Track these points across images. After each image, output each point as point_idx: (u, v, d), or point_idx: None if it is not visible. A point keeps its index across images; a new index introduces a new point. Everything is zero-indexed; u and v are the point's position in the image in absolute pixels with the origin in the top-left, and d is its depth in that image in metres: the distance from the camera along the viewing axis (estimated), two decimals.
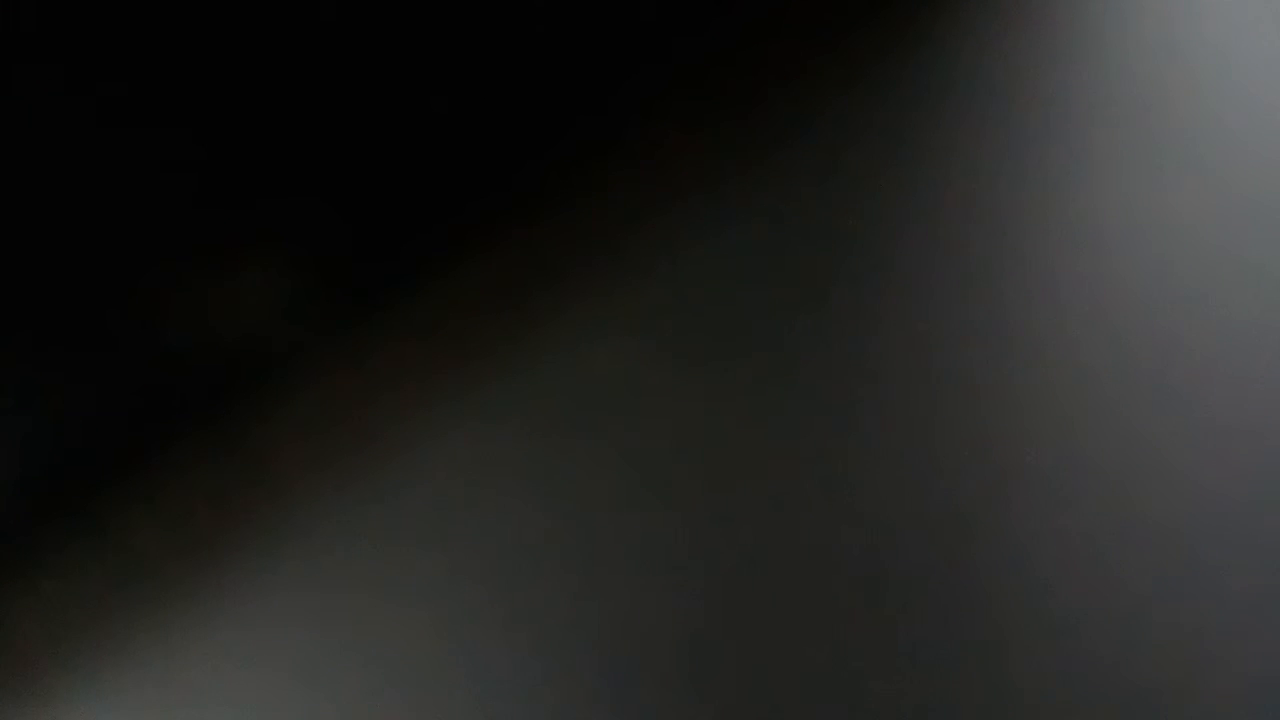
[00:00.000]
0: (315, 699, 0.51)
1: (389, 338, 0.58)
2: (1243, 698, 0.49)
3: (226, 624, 0.53)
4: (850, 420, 0.55)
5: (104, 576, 0.54)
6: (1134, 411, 0.55)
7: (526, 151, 0.62)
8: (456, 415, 0.56)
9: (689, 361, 0.57)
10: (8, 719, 0.52)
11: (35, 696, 0.52)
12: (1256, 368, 0.55)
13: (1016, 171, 0.60)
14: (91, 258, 0.58)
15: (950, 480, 0.54)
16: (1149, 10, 0.63)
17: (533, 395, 0.56)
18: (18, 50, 0.58)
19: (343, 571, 0.54)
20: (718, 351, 0.57)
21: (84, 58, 0.59)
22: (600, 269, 0.59)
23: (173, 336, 0.58)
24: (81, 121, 0.59)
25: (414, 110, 0.62)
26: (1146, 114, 0.61)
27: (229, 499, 0.55)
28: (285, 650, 0.52)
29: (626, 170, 0.61)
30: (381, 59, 0.62)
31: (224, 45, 0.60)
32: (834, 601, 0.52)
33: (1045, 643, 0.51)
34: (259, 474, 0.55)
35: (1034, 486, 0.53)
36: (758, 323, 0.57)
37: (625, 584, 0.53)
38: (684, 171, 0.61)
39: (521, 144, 0.62)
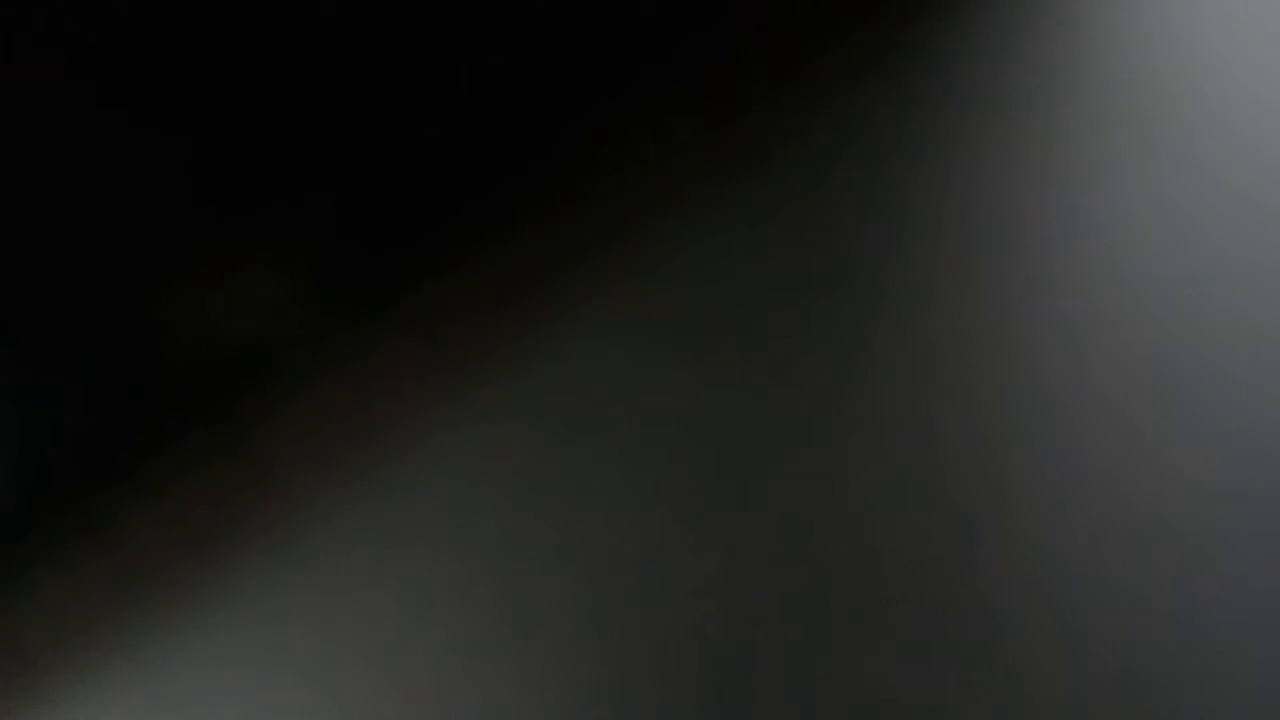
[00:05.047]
0: (315, 699, 0.51)
1: (389, 338, 0.58)
2: (1244, 696, 0.49)
3: (226, 624, 0.53)
4: (851, 420, 0.55)
5: (104, 576, 0.54)
6: (1134, 411, 0.55)
7: (526, 151, 0.62)
8: (456, 415, 0.56)
9: (689, 361, 0.57)
10: (8, 719, 0.51)
11: (36, 696, 0.52)
12: (1256, 367, 0.55)
13: (1017, 171, 0.60)
14: (92, 258, 0.58)
15: (951, 479, 0.54)
16: (1149, 10, 0.63)
17: (533, 395, 0.56)
18: (18, 51, 0.58)
19: (343, 571, 0.54)
20: (718, 351, 0.57)
21: (85, 59, 0.59)
22: (600, 269, 0.59)
23: (173, 336, 0.58)
24: (82, 122, 0.59)
25: (414, 110, 0.62)
26: (1146, 114, 0.61)
27: (229, 499, 0.55)
28: (285, 650, 0.52)
29: (627, 170, 0.61)
30: (382, 58, 0.62)
31: (224, 45, 0.60)
32: (835, 601, 0.52)
33: (1046, 642, 0.51)
34: (259, 474, 0.55)
35: (1034, 486, 0.53)
36: (758, 322, 0.57)
37: (625, 584, 0.53)
38: (685, 172, 0.61)
39: (522, 144, 0.62)
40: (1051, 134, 0.61)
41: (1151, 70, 0.62)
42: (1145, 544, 0.52)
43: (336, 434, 0.56)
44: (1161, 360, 0.56)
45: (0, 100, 0.59)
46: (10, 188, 0.59)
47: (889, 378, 0.56)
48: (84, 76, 0.59)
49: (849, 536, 0.53)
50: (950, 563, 0.52)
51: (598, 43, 0.63)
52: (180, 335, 0.58)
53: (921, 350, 0.56)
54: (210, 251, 0.59)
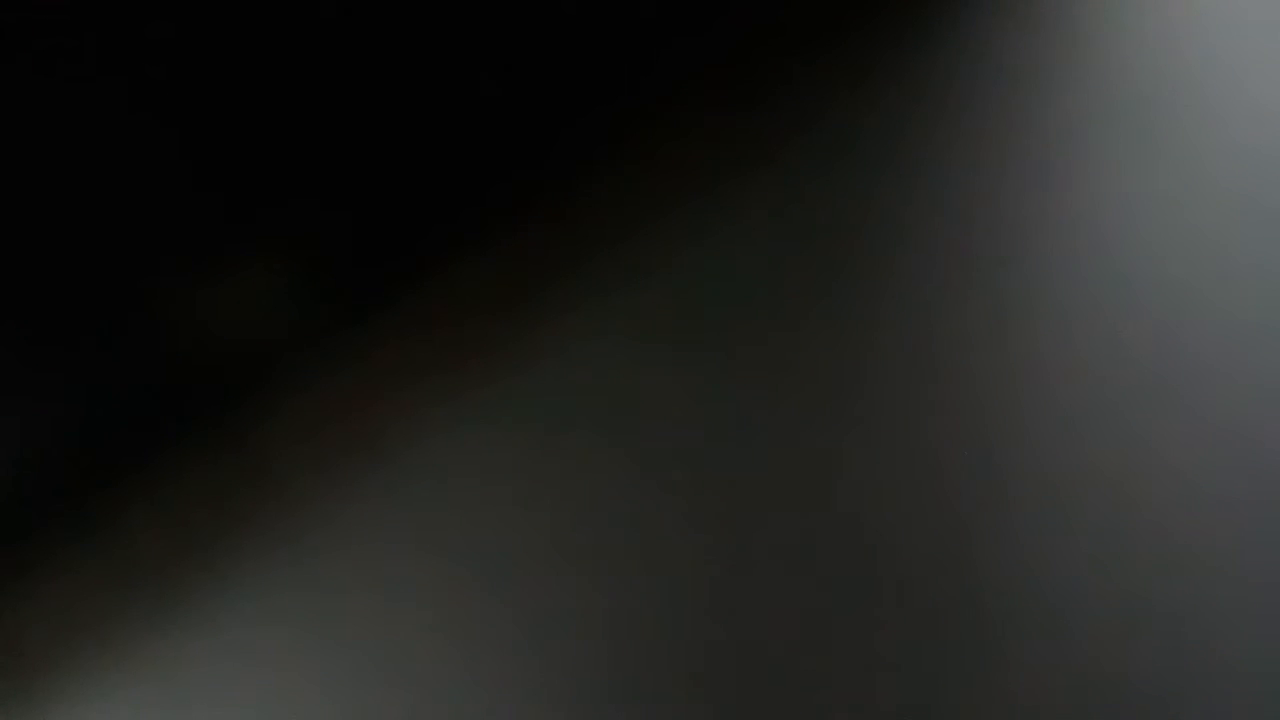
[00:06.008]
0: (315, 699, 0.51)
1: (389, 338, 0.58)
2: (1243, 696, 0.49)
3: (226, 624, 0.53)
4: (850, 420, 0.55)
5: (104, 576, 0.54)
6: (1134, 411, 0.55)
7: (527, 152, 0.62)
8: (456, 415, 0.56)
9: (689, 361, 0.57)
10: (8, 719, 0.52)
11: (35, 696, 0.52)
12: (1256, 368, 0.55)
13: (1017, 171, 0.60)
14: (92, 258, 0.58)
15: (950, 480, 0.54)
16: (1148, 10, 0.63)
17: (533, 395, 0.56)
18: (18, 51, 0.58)
19: (342, 571, 0.54)
20: (718, 351, 0.57)
21: (84, 58, 0.59)
22: (600, 269, 0.59)
23: (173, 336, 0.58)
24: (83, 122, 0.59)
25: (414, 111, 0.62)
26: (1146, 114, 0.61)
27: (229, 499, 0.55)
28: (285, 650, 0.52)
29: (627, 170, 0.61)
30: (382, 60, 0.62)
31: (224, 47, 0.60)
32: (834, 601, 0.52)
33: (1045, 642, 0.51)
34: (259, 474, 0.55)
35: (1034, 486, 0.53)
36: (758, 323, 0.57)
37: (625, 584, 0.53)
38: (685, 171, 0.61)
39: (522, 144, 0.62)
40: (1051, 134, 0.61)
41: (1151, 70, 0.62)
42: (1144, 544, 0.52)
43: (336, 434, 0.56)
44: (1161, 360, 0.56)
45: (2, 101, 0.59)
46: (11, 189, 0.59)
47: (889, 377, 0.56)
48: (85, 77, 0.59)
49: (849, 536, 0.53)
50: (950, 563, 0.52)
51: (598, 44, 0.63)
52: (180, 335, 0.58)
53: (921, 350, 0.56)
54: (211, 251, 0.59)
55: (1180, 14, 0.63)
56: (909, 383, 0.56)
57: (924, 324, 0.57)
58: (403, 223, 0.60)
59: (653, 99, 0.63)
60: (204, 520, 0.55)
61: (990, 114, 0.62)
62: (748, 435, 0.55)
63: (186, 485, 0.55)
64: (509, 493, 0.55)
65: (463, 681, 0.51)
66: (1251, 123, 0.60)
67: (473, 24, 0.63)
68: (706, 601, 0.52)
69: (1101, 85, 0.62)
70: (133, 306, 0.58)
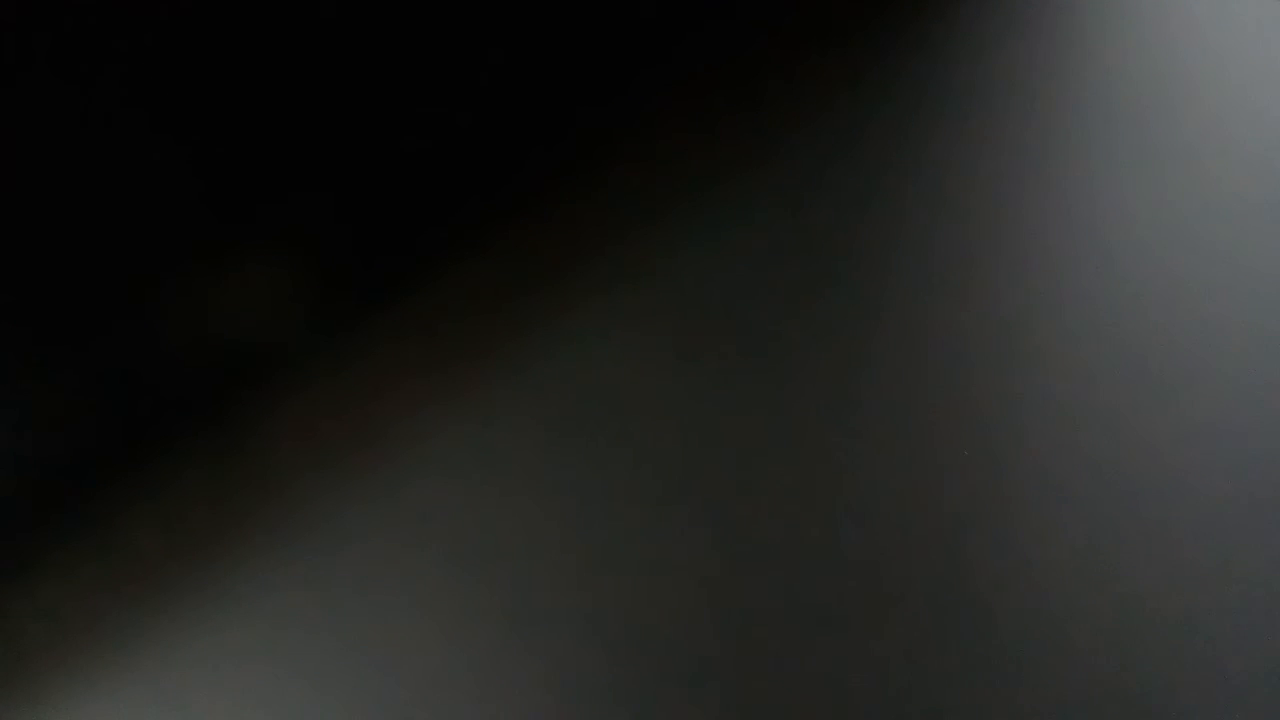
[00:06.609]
0: (315, 699, 0.51)
1: (389, 338, 0.58)
2: (1242, 697, 0.49)
3: (226, 624, 0.53)
4: (851, 420, 0.55)
5: (104, 576, 0.54)
6: (1134, 411, 0.55)
7: (527, 151, 0.62)
8: (456, 415, 0.56)
9: (689, 361, 0.57)
10: (8, 719, 0.51)
11: (35, 697, 0.52)
12: (1256, 368, 0.55)
13: (1016, 172, 0.60)
14: (92, 258, 0.58)
15: (950, 479, 0.54)
16: (1149, 11, 0.63)
17: (533, 395, 0.56)
18: (19, 51, 0.58)
19: (342, 571, 0.54)
20: (718, 351, 0.57)
21: (84, 58, 0.59)
22: (600, 269, 0.59)
23: (173, 336, 0.58)
24: (83, 122, 0.59)
25: (414, 111, 0.62)
26: (1146, 114, 0.61)
27: (229, 499, 0.55)
28: (285, 650, 0.52)
29: (627, 170, 0.61)
30: (382, 59, 0.62)
31: (225, 46, 0.60)
32: (834, 600, 0.52)
33: (1044, 641, 0.51)
34: (259, 474, 0.55)
35: (1034, 486, 0.53)
36: (758, 322, 0.57)
37: (625, 583, 0.53)
38: (684, 171, 0.61)
39: (521, 144, 0.62)
40: (1051, 135, 0.61)
41: (1150, 72, 0.62)
42: (1143, 545, 0.52)
43: (336, 434, 0.56)
44: (1159, 361, 0.56)
45: (2, 101, 0.59)
46: (11, 187, 0.59)
47: (889, 377, 0.56)
48: (85, 76, 0.59)
49: (849, 535, 0.53)
50: (949, 563, 0.52)
51: (598, 43, 0.63)
52: (180, 335, 0.58)
53: (921, 350, 0.56)
54: (211, 251, 0.59)
55: (1180, 17, 0.63)
56: (908, 382, 0.56)
57: (923, 324, 0.57)
58: (403, 223, 0.60)
59: (653, 99, 0.63)
60: (204, 520, 0.55)
61: (990, 115, 0.62)
62: (747, 434, 0.55)
63: (186, 485, 0.55)
64: (509, 492, 0.55)
65: (462, 680, 0.51)
66: (1250, 124, 0.60)
67: (473, 23, 0.63)
68: (707, 600, 0.52)
69: (1101, 87, 0.62)
70: (133, 305, 0.58)
